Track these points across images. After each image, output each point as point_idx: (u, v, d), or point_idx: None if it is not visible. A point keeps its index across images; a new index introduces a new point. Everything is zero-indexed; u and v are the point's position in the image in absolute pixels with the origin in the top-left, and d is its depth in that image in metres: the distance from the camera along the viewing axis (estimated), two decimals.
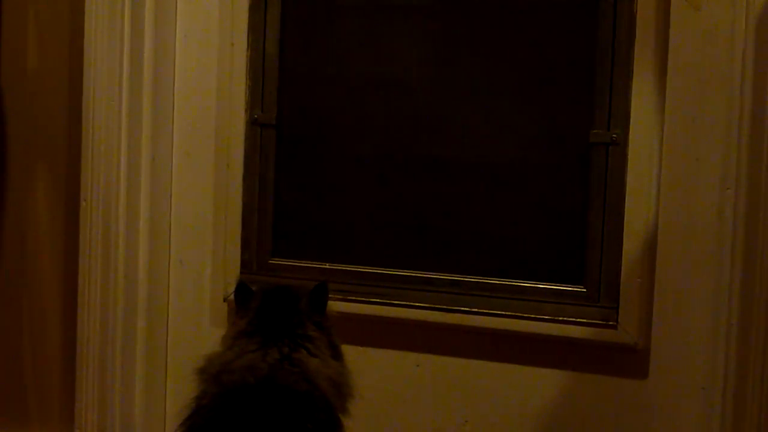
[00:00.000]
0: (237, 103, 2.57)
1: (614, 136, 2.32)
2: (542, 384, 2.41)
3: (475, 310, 2.43)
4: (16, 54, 2.60)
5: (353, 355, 1.99)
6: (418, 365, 2.50)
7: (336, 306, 2.03)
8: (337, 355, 1.93)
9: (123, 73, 2.49)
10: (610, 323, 2.33)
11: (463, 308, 2.43)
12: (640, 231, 2.30)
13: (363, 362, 2.45)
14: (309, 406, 1.77)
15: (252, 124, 2.58)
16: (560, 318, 2.37)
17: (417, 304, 2.47)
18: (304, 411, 1.76)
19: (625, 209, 2.31)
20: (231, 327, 1.95)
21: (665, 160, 2.26)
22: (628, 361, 2.33)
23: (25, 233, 2.62)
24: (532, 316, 2.39)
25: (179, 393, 2.63)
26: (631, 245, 2.31)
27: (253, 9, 2.56)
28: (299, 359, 1.82)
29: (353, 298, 2.50)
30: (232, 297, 2.00)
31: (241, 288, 1.95)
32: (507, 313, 2.41)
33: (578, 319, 2.36)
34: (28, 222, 2.62)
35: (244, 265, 2.59)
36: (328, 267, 2.56)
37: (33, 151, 2.60)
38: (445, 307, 2.45)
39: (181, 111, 2.63)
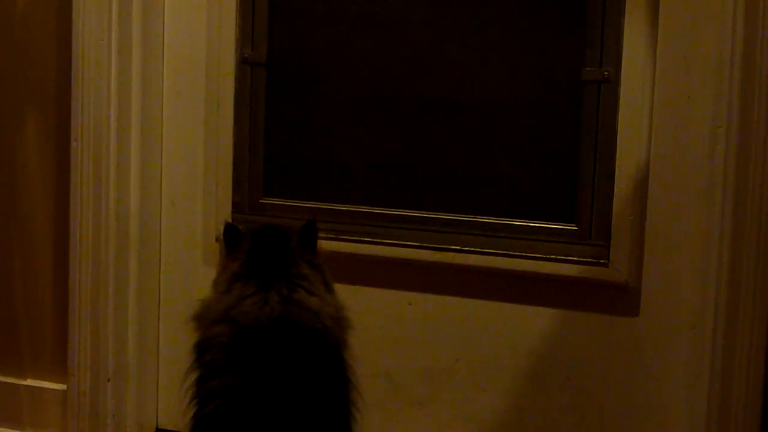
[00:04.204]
0: (227, 42, 2.54)
1: (606, 73, 2.30)
2: (534, 322, 2.42)
3: (467, 248, 2.43)
4: None
5: (345, 294, 1.99)
6: (410, 303, 2.51)
7: (328, 245, 2.03)
8: (331, 291, 1.94)
9: (112, 11, 2.46)
10: (602, 261, 2.33)
11: (454, 247, 2.44)
12: (631, 169, 2.29)
13: (355, 301, 2.42)
14: (323, 343, 1.79)
15: (242, 62, 2.55)
16: (552, 256, 2.37)
17: (409, 242, 2.47)
18: (320, 348, 1.78)
19: (617, 147, 2.30)
20: (223, 270, 1.93)
21: (657, 99, 2.25)
22: (618, 299, 2.34)
23: (15, 175, 2.61)
24: (524, 254, 2.39)
25: (172, 333, 2.65)
26: (622, 183, 2.30)
27: None
28: (299, 299, 1.82)
29: (345, 237, 2.50)
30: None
31: (230, 229, 1.94)
32: (499, 251, 2.41)
33: (570, 257, 2.36)
34: (17, 164, 2.61)
35: (236, 205, 2.58)
36: (320, 206, 2.55)
37: (22, 91, 2.58)
38: (437, 245, 2.45)
39: (170, 50, 2.60)
